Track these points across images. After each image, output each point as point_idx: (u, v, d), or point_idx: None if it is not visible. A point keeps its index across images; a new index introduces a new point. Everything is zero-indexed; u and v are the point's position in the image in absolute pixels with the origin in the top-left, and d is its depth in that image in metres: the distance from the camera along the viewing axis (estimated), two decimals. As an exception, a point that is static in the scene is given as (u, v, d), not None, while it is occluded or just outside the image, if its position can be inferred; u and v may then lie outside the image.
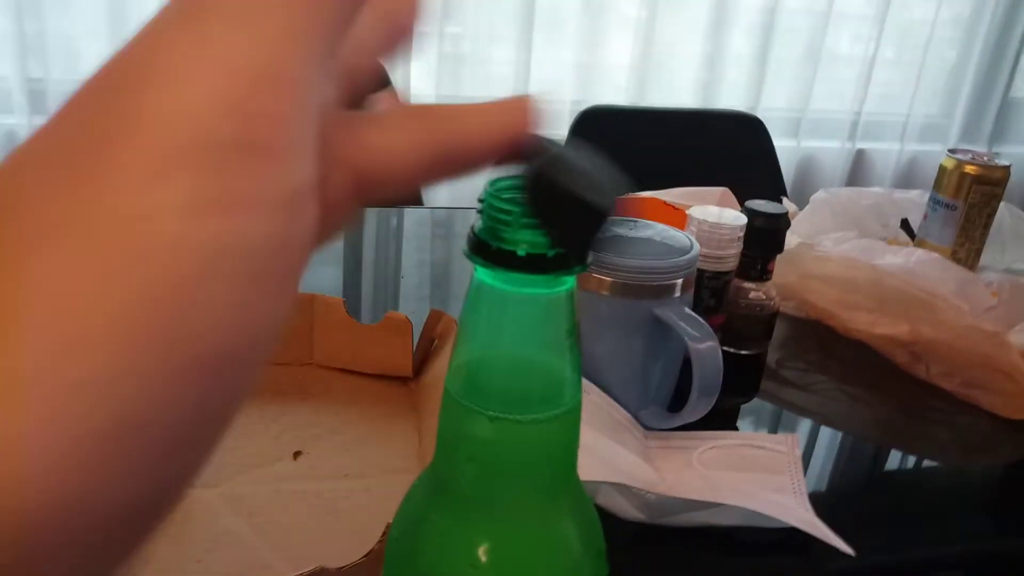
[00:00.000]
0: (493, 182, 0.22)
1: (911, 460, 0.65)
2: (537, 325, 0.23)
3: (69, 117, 0.14)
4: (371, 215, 1.04)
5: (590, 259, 0.22)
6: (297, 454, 0.52)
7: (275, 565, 0.43)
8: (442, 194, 1.79)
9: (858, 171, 2.00)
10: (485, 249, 0.21)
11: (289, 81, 0.14)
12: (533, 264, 0.21)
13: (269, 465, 0.51)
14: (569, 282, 0.23)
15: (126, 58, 0.14)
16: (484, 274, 0.22)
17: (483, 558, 0.24)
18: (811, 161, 1.97)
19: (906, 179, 2.01)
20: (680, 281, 0.54)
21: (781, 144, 1.79)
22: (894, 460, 0.66)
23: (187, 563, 0.42)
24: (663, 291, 0.53)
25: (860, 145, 1.98)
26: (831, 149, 1.97)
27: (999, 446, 0.66)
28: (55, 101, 1.54)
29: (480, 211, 0.22)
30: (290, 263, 0.15)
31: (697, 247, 0.55)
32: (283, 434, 0.54)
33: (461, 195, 1.80)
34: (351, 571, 0.37)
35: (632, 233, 0.55)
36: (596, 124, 1.33)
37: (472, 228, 0.22)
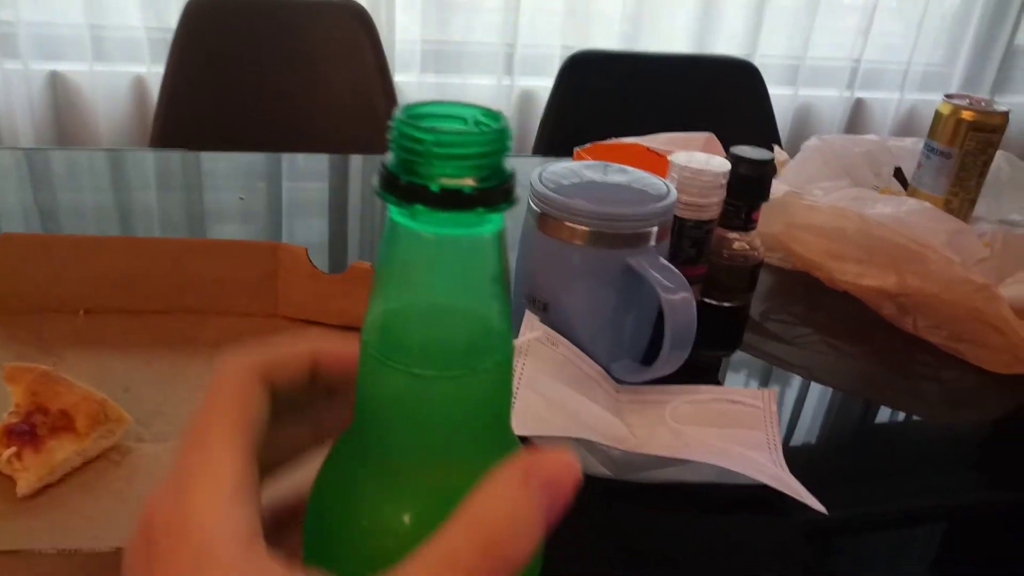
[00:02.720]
0: (406, 107, 0.20)
1: (896, 415, 0.64)
2: (458, 271, 0.20)
3: None
4: (356, 163, 1.01)
5: (516, 196, 0.20)
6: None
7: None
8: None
9: (857, 120, 1.96)
10: (395, 184, 0.19)
11: None
12: (449, 201, 0.19)
13: (225, 419, 0.49)
14: (495, 221, 0.20)
15: None
16: (397, 213, 0.20)
17: (407, 521, 0.22)
18: (809, 110, 1.93)
19: (906, 129, 1.97)
20: (655, 229, 0.51)
21: (778, 92, 1.74)
22: (879, 415, 0.64)
23: (131, 520, 0.40)
24: (637, 240, 0.51)
25: (859, 94, 1.94)
26: (829, 98, 1.93)
27: (985, 401, 0.64)
28: (26, 45, 1.50)
29: (390, 140, 0.19)
30: None
31: (674, 193, 0.53)
32: (241, 387, 0.52)
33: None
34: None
35: (605, 178, 0.53)
36: (585, 70, 1.29)
37: (383, 162, 0.19)
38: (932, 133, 0.78)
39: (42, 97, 1.54)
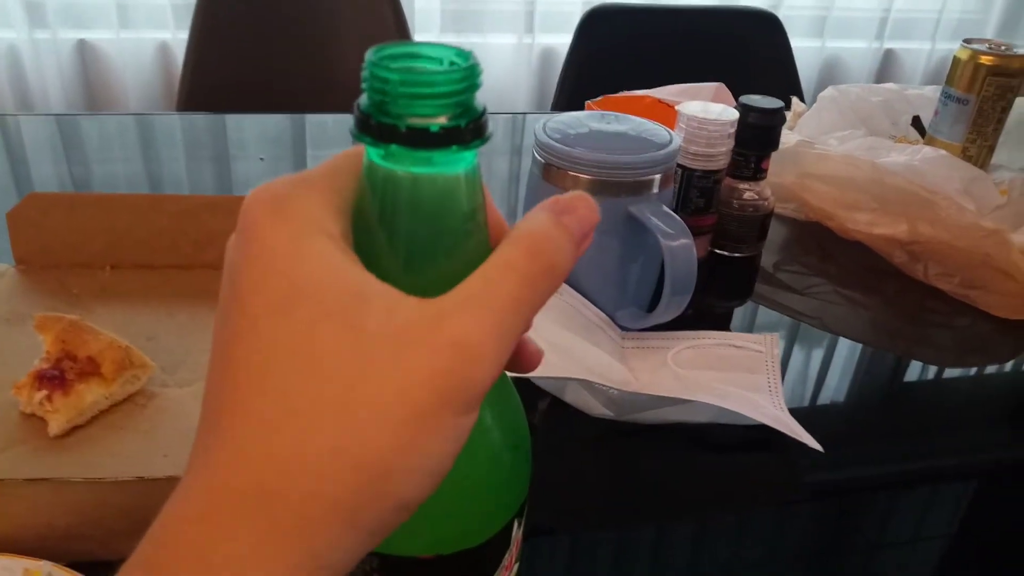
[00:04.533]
0: (377, 49, 0.21)
1: (907, 363, 0.64)
2: (434, 208, 0.21)
3: None
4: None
5: (488, 133, 0.21)
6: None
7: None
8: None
9: (886, 72, 1.92)
10: (368, 125, 0.20)
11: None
12: (419, 139, 0.20)
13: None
14: (467, 159, 0.21)
15: None
16: (373, 154, 0.21)
17: None
18: (837, 62, 1.89)
19: (937, 80, 1.91)
20: (658, 177, 0.52)
21: (805, 44, 1.71)
22: (889, 363, 0.64)
23: (155, 456, 0.43)
24: (640, 187, 0.51)
25: (889, 44, 1.89)
26: (858, 49, 1.89)
27: (996, 348, 0.64)
28: (54, 14, 1.52)
29: (363, 81, 0.20)
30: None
31: (677, 141, 0.53)
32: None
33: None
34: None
35: (608, 128, 0.53)
36: (604, 24, 1.28)
37: (357, 103, 0.21)
38: (950, 79, 0.77)
39: (71, 65, 1.57)
